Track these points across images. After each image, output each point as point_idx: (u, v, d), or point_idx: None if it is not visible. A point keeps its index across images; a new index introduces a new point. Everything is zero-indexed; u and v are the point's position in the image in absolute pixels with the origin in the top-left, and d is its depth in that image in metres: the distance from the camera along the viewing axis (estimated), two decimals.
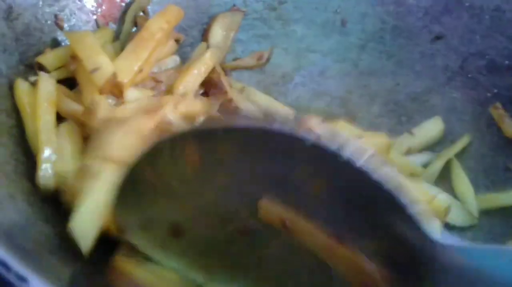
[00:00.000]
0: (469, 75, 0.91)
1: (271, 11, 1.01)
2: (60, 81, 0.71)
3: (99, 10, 0.84)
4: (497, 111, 0.84)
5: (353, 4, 1.00)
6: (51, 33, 0.77)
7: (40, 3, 0.76)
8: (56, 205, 0.62)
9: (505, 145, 0.84)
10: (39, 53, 0.74)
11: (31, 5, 0.75)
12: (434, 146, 0.87)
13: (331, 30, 1.00)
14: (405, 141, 0.84)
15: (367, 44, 0.98)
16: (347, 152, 0.43)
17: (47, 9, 0.77)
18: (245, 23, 0.98)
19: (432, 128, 0.87)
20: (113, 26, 0.86)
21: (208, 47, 0.90)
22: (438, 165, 0.81)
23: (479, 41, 0.91)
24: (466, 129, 0.88)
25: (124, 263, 0.55)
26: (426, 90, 0.92)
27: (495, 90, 0.87)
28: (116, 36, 0.84)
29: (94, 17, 0.84)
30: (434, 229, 0.46)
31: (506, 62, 0.88)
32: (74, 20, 0.81)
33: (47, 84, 0.66)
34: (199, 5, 0.97)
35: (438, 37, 0.95)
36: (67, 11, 0.80)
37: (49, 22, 0.77)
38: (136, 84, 0.71)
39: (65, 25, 0.79)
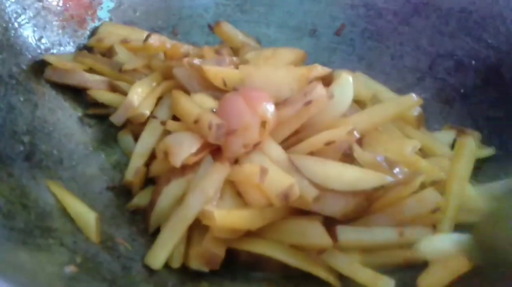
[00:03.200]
0: (438, 76, 0.92)
1: (243, 13, 1.01)
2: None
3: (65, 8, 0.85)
4: None
5: (324, 8, 1.01)
6: (13, 32, 0.77)
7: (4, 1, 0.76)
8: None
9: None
10: (3, 49, 0.74)
11: None
12: None
13: (303, 33, 1.01)
14: None
15: (338, 47, 0.99)
16: None
17: (12, 7, 0.77)
18: None
19: None
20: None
21: None
22: None
23: (447, 42, 0.92)
24: (435, 129, 0.88)
25: None
26: (396, 91, 0.92)
27: (462, 90, 0.88)
28: None
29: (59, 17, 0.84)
30: None
31: (473, 62, 0.88)
32: (41, 20, 0.81)
33: None
34: (170, 6, 0.97)
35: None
36: (32, 10, 0.80)
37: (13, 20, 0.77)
38: None
39: (30, 24, 0.79)
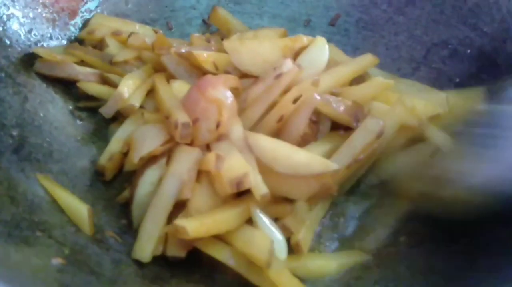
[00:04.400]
0: (433, 65, 0.90)
1: (236, 4, 1.00)
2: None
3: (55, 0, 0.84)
4: None
5: None
6: (2, 24, 0.76)
7: None
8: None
9: None
10: None
11: None
12: None
13: (297, 24, 1.00)
14: None
15: (333, 37, 0.97)
16: None
17: None
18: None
19: None
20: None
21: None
22: None
23: (442, 31, 0.91)
24: None
25: None
26: None
27: (457, 79, 0.87)
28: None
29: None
30: None
31: (468, 50, 0.87)
32: (30, 12, 0.81)
33: None
34: None
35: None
36: (21, 2, 0.79)
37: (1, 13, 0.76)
38: None
39: (20, 16, 0.79)
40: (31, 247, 0.58)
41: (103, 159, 0.74)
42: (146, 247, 0.65)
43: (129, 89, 0.78)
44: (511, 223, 0.63)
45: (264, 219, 0.65)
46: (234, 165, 0.65)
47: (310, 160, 0.67)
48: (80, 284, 0.57)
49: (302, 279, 0.65)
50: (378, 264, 0.69)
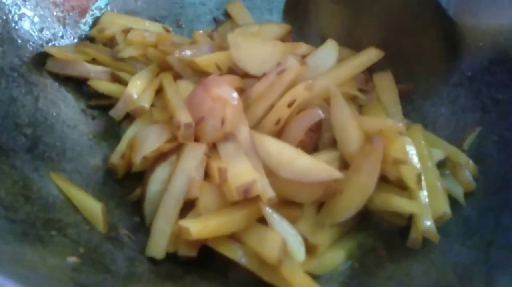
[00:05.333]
0: None
1: (245, 0, 1.00)
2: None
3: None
4: None
5: None
6: (14, 24, 0.77)
7: None
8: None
9: None
10: (3, 41, 0.74)
11: None
12: None
13: None
14: None
15: None
16: None
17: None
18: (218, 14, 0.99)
19: None
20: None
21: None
22: None
23: None
24: (442, 113, 0.86)
25: None
26: None
27: (469, 73, 0.86)
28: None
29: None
30: None
31: (481, 43, 0.86)
32: (41, 11, 0.81)
33: None
34: None
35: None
36: (32, 1, 0.79)
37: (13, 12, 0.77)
38: None
39: (31, 16, 0.79)
40: (47, 246, 0.58)
41: (115, 158, 0.75)
42: (159, 244, 0.66)
43: (138, 90, 0.78)
44: None
45: (277, 218, 0.65)
46: (242, 171, 0.65)
47: (313, 167, 0.67)
48: (95, 282, 0.57)
49: (317, 276, 0.65)
50: (391, 260, 0.69)
